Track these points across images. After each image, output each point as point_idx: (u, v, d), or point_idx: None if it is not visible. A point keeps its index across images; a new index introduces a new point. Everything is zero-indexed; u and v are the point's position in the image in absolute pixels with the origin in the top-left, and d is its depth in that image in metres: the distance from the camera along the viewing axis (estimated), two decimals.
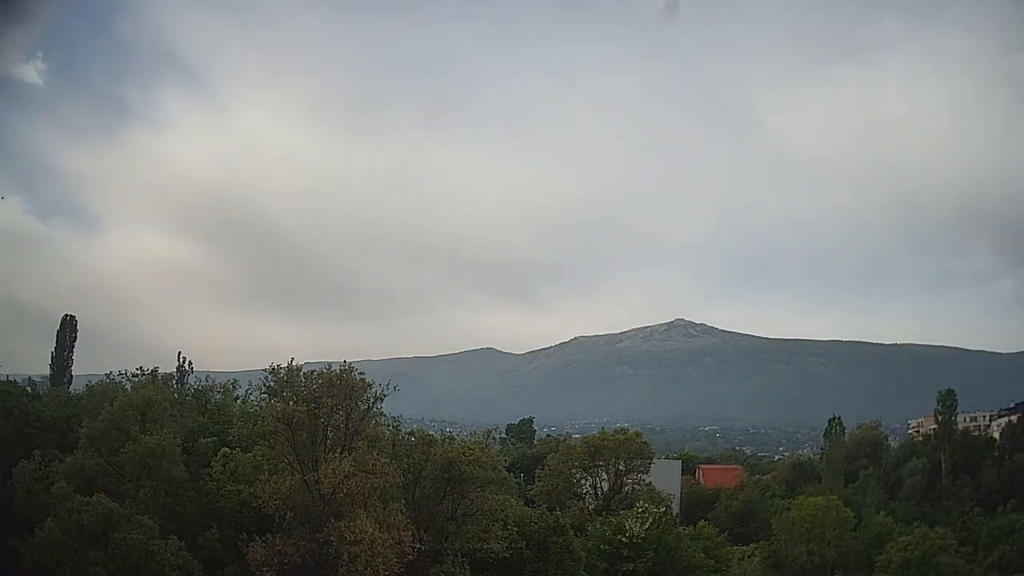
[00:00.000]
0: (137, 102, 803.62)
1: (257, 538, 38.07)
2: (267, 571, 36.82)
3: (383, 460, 39.33)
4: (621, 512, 55.35)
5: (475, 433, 51.66)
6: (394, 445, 44.36)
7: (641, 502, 54.94)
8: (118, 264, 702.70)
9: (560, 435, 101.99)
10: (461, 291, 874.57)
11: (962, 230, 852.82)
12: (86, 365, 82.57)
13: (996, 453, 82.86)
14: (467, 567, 42.20)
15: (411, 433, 51.32)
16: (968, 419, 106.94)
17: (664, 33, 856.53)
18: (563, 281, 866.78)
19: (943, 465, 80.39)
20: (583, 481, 67.03)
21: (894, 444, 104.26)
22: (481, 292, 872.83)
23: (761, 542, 61.05)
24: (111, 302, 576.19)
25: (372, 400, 41.06)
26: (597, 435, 70.48)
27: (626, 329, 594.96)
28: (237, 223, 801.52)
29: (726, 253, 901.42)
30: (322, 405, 39.64)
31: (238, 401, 58.31)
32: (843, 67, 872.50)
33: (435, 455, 43.09)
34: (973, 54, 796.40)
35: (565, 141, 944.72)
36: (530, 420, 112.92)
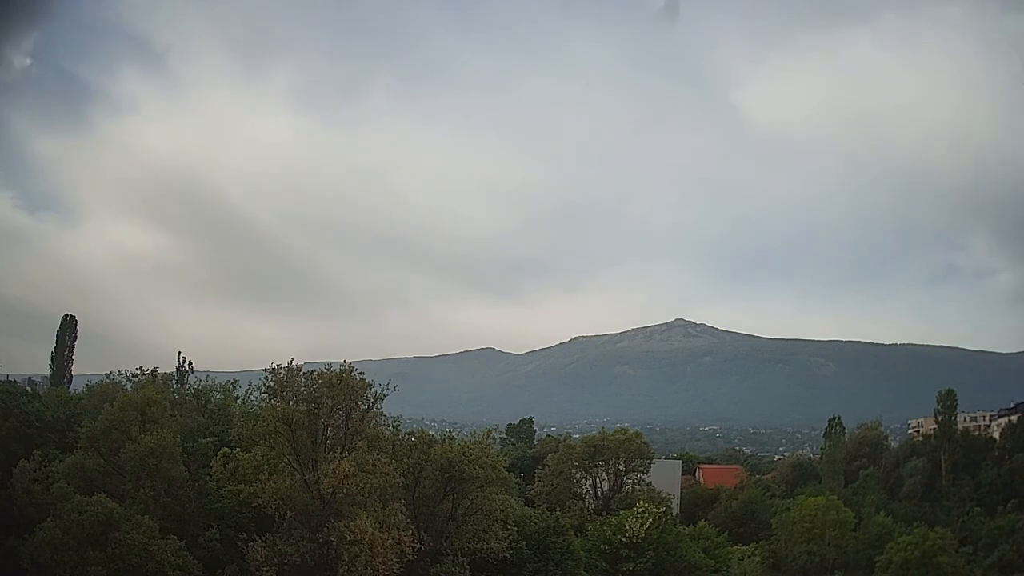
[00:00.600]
0: (112, 89, 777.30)
1: (257, 538, 38.13)
2: (267, 571, 36.87)
3: (383, 460, 39.39)
4: (621, 512, 55.37)
5: (475, 433, 51.68)
6: (394, 445, 44.35)
7: (641, 502, 54.98)
8: (103, 259, 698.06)
9: (560, 435, 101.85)
10: (458, 291, 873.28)
11: (962, 219, 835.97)
12: (86, 365, 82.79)
13: (996, 453, 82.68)
14: (467, 567, 42.27)
15: (411, 433, 51.29)
16: (968, 419, 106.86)
17: (651, 18, 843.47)
18: (562, 280, 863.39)
19: (943, 465, 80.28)
20: (583, 481, 67.08)
21: (894, 444, 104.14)
22: (478, 291, 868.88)
23: (761, 542, 60.97)
24: (101, 299, 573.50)
25: (372, 400, 41.13)
26: (597, 435, 70.47)
27: (626, 329, 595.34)
28: (222, 219, 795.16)
29: (723, 246, 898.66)
30: (322, 405, 39.74)
31: (238, 401, 58.32)
32: (835, 38, 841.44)
33: (435, 455, 43.11)
34: (973, 15, 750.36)
35: (553, 132, 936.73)
36: (530, 420, 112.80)
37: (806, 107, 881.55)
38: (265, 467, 39.38)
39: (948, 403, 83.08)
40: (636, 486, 64.98)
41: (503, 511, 45.56)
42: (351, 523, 36.48)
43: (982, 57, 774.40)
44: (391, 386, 42.75)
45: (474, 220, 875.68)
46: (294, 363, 41.04)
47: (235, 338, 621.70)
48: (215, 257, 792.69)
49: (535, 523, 48.08)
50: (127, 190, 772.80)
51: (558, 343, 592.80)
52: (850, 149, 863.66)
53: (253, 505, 39.09)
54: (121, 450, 40.18)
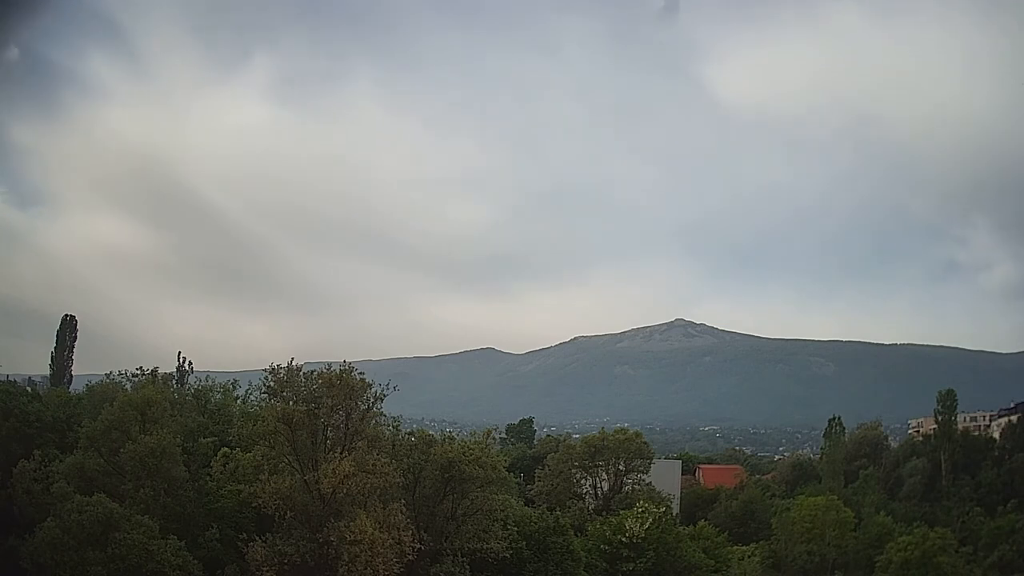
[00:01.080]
0: (95, 80, 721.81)
1: (257, 538, 38.15)
2: (267, 571, 36.88)
3: (383, 460, 39.40)
4: (621, 512, 55.35)
5: (475, 433, 51.71)
6: (394, 445, 44.37)
7: (641, 502, 54.96)
8: (96, 256, 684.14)
9: (560, 435, 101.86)
10: (457, 290, 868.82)
11: (961, 208, 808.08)
12: (86, 365, 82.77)
13: (996, 453, 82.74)
14: (467, 567, 42.27)
15: (411, 433, 51.32)
16: (968, 419, 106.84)
17: (633, 3, 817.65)
18: (561, 278, 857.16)
19: (943, 465, 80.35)
20: (583, 481, 67.05)
21: (894, 444, 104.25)
22: (477, 291, 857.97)
23: (761, 542, 61.04)
24: (96, 297, 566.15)
25: (372, 400, 41.16)
26: (597, 435, 70.45)
27: (626, 329, 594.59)
28: (218, 216, 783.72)
29: (719, 236, 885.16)
30: (322, 405, 39.76)
31: (238, 401, 58.35)
32: (823, 10, 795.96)
33: (435, 455, 43.12)
34: None
35: (540, 123, 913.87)
36: (530, 420, 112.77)
37: (793, 88, 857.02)
38: (265, 467, 39.38)
39: (948, 403, 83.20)
40: (636, 486, 64.94)
41: (503, 511, 45.54)
42: (351, 523, 36.50)
43: (985, 26, 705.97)
44: (391, 386, 42.79)
45: (472, 218, 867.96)
46: (294, 363, 41.11)
47: (235, 338, 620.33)
48: (212, 255, 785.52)
49: (535, 523, 48.07)
50: (116, 184, 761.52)
51: (558, 343, 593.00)
52: (841, 131, 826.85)
53: (253, 505, 39.11)
54: (121, 450, 40.20)
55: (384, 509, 38.38)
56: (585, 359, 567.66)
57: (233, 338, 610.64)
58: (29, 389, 61.10)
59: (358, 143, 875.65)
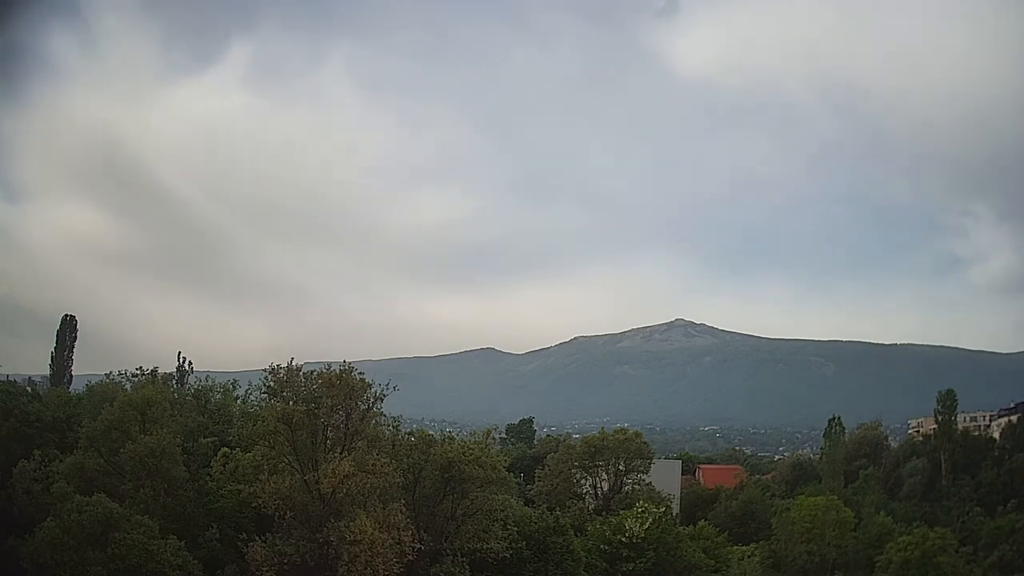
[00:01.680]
0: (58, 66, 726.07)
1: (257, 538, 38.15)
2: (267, 571, 36.88)
3: (383, 460, 39.39)
4: (621, 512, 55.36)
5: (475, 433, 51.71)
6: (394, 445, 44.36)
7: (641, 502, 54.96)
8: (89, 253, 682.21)
9: (560, 435, 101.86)
10: (455, 289, 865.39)
11: (961, 198, 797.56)
12: (86, 365, 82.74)
13: (996, 453, 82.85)
14: (467, 567, 42.27)
15: (411, 433, 51.33)
16: (968, 419, 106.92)
17: None
18: (560, 277, 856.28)
19: (943, 465, 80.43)
20: (583, 481, 67.06)
21: (894, 444, 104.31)
22: (476, 290, 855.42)
23: (761, 542, 61.08)
24: (93, 296, 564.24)
25: (372, 400, 41.14)
26: (597, 435, 70.44)
27: (626, 329, 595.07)
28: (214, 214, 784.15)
29: (718, 232, 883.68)
30: (322, 405, 39.75)
31: (238, 401, 58.35)
32: None
33: (435, 455, 43.12)
34: None
35: (524, 113, 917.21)
36: (530, 420, 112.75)
37: (786, 74, 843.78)
38: (265, 467, 39.36)
39: (948, 403, 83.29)
40: (636, 486, 64.94)
41: (503, 511, 45.53)
42: (351, 523, 36.49)
43: (987, 10, 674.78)
44: (391, 386, 42.74)
45: (461, 209, 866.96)
46: (294, 363, 41.09)
47: (235, 338, 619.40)
48: (210, 253, 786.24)
49: (535, 523, 48.07)
50: (105, 179, 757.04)
51: (558, 343, 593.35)
52: (839, 124, 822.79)
53: (253, 505, 39.09)
54: (121, 450, 40.18)
55: (384, 509, 38.37)
56: (585, 359, 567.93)
57: (233, 338, 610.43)
58: (29, 389, 61.12)
59: (345, 136, 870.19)
